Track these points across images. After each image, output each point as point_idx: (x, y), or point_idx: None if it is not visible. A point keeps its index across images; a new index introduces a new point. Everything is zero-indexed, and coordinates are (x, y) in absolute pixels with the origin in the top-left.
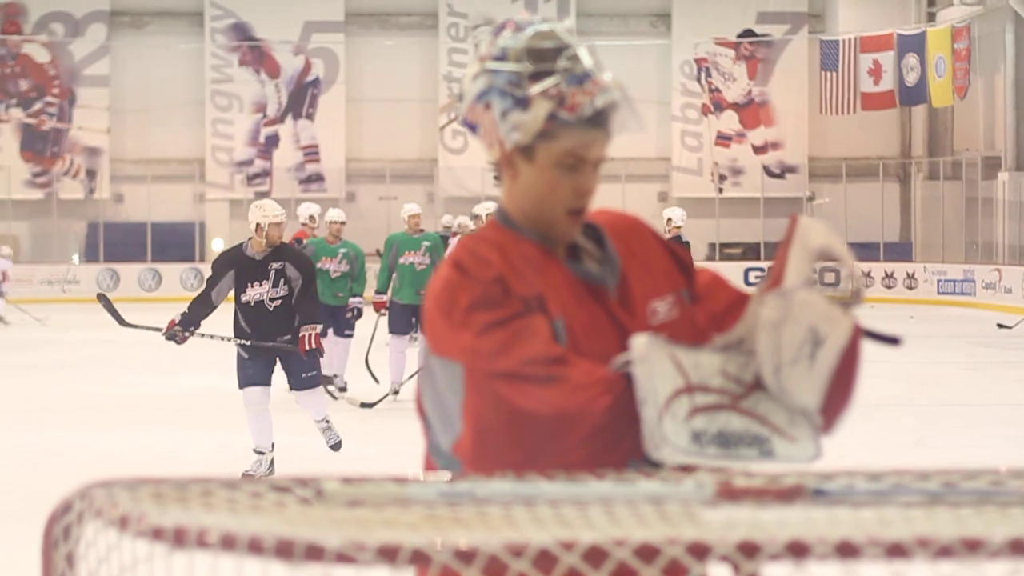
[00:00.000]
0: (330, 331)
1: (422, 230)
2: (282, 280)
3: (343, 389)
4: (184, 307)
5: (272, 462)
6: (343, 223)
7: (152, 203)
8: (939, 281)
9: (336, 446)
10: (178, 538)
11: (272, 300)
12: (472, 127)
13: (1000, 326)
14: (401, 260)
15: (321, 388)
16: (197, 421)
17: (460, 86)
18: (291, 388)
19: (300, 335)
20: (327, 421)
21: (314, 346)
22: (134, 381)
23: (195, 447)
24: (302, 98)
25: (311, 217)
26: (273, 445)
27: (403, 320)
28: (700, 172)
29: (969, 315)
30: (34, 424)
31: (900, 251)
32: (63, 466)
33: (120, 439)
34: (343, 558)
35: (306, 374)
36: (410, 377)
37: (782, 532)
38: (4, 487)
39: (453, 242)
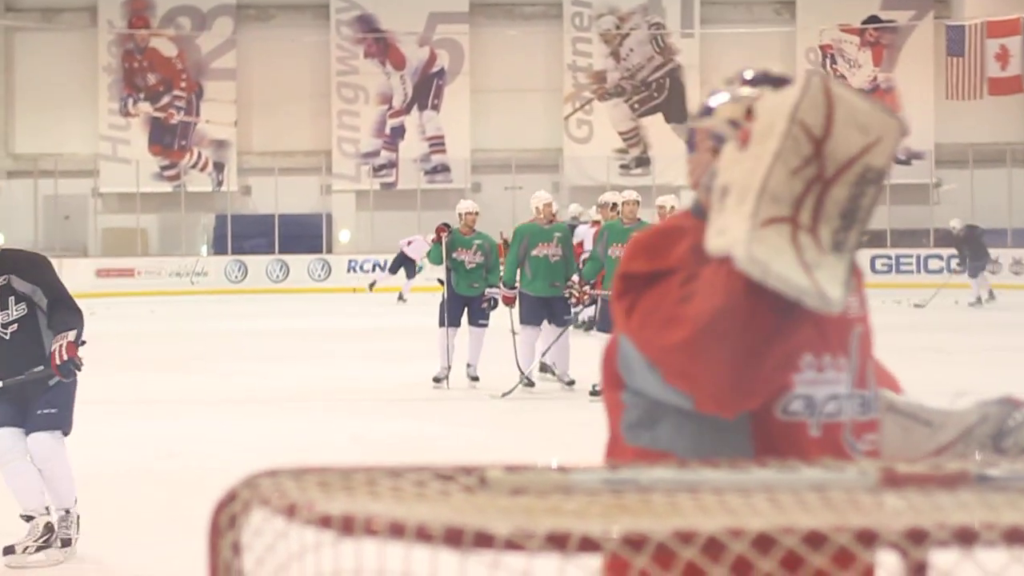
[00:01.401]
0: (464, 321)
1: (553, 220)
2: (12, 298)
3: (475, 379)
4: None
5: (50, 528)
6: (477, 214)
7: (279, 195)
8: None
9: (48, 542)
10: (346, 526)
11: (6, 326)
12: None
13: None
14: (534, 252)
15: (62, 436)
16: (331, 412)
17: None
18: (26, 431)
19: (51, 349)
20: (66, 511)
21: (65, 357)
22: (267, 372)
23: (330, 437)
24: (427, 89)
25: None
26: (48, 508)
27: (535, 311)
28: None
29: None
30: (167, 415)
31: None
32: (198, 457)
33: (253, 430)
34: (512, 545)
35: (43, 411)
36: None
37: (950, 518)
38: (140, 478)
39: (582, 231)
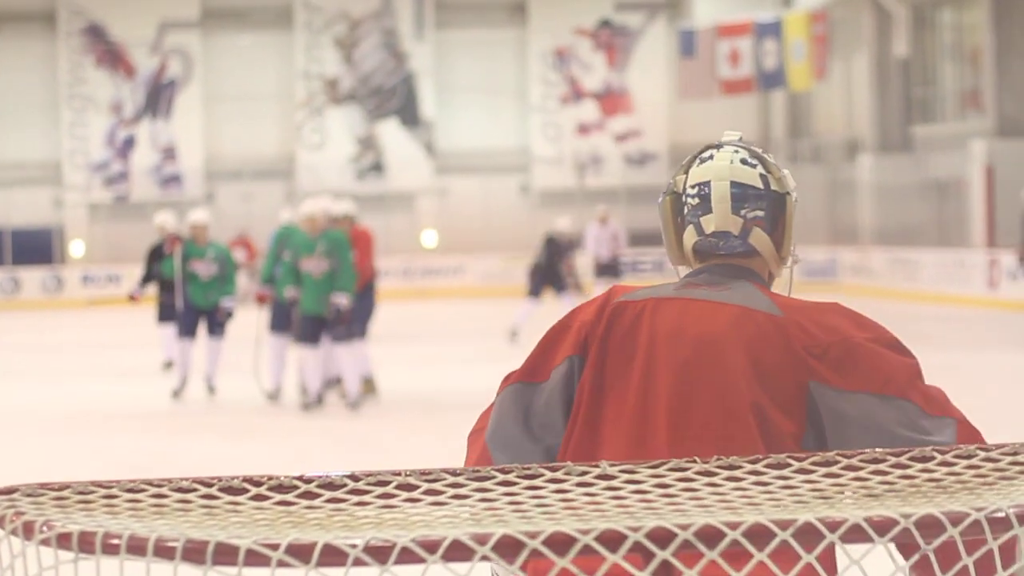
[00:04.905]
0: (202, 332)
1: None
2: None
3: (213, 389)
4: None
5: None
6: (206, 226)
7: (9, 208)
8: (804, 266)
9: None
10: (84, 544)
11: None
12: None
13: None
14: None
15: None
16: (68, 428)
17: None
18: None
19: None
20: None
21: None
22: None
23: (68, 455)
24: (159, 98)
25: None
26: None
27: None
28: (560, 163)
29: (835, 299)
30: None
31: None
32: None
33: None
34: (254, 558)
35: None
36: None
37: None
38: None
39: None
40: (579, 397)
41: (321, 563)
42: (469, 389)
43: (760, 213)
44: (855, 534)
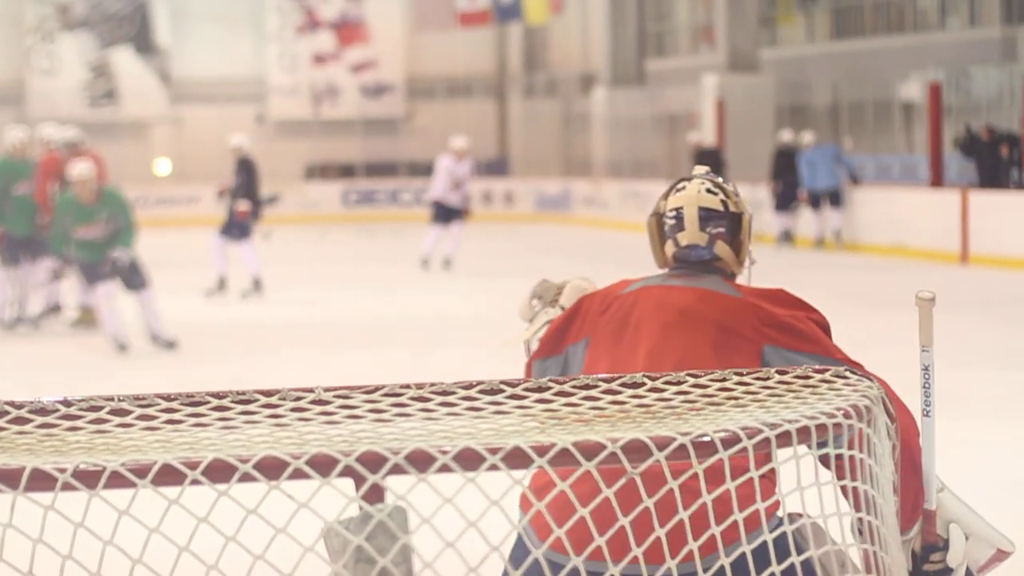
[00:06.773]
0: None
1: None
2: None
3: None
4: None
5: None
6: None
7: None
8: (537, 197)
9: None
10: None
11: None
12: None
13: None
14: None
15: None
16: None
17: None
18: None
19: None
20: None
21: None
22: None
23: None
24: None
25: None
26: None
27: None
28: (296, 93)
29: (568, 230)
30: None
31: (497, 168)
32: None
33: None
34: None
35: None
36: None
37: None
38: None
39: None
40: (587, 365)
41: (29, 488)
42: (203, 320)
43: (722, 229)
44: (564, 458)
